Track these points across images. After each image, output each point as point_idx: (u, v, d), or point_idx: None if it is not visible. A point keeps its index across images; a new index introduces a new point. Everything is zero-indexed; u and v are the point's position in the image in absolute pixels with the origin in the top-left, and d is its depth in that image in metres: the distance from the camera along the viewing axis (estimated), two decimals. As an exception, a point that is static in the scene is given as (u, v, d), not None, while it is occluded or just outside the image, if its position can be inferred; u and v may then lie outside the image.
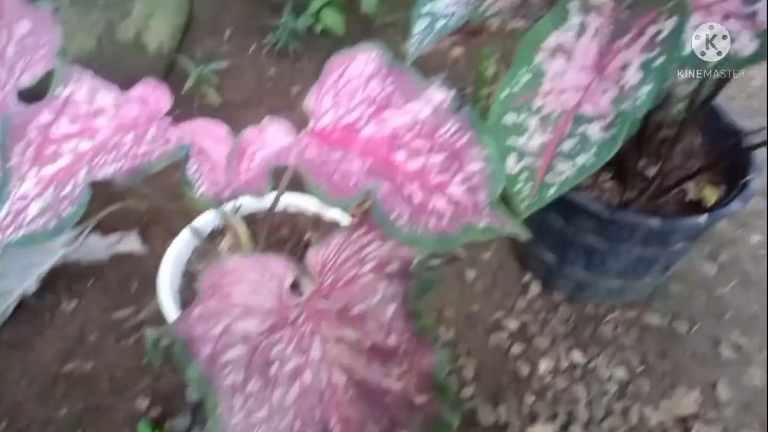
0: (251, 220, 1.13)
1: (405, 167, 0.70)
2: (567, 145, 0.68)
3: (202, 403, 1.21)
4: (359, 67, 0.79)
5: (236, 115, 1.78)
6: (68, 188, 0.65)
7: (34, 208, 0.64)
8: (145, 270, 1.37)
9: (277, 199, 1.02)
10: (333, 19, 1.96)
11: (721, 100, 1.18)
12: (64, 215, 0.63)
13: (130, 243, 1.40)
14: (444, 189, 0.68)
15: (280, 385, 0.65)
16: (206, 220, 1.09)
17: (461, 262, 1.44)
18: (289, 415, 0.64)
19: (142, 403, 1.14)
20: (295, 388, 0.65)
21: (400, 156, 0.71)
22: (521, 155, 0.70)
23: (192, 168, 0.70)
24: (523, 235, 0.61)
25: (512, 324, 1.30)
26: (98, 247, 1.39)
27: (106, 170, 0.65)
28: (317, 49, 1.98)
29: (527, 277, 1.39)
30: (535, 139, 0.69)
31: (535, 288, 1.37)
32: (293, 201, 1.13)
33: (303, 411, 0.64)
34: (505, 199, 0.68)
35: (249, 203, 1.11)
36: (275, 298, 0.70)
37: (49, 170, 0.66)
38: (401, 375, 0.65)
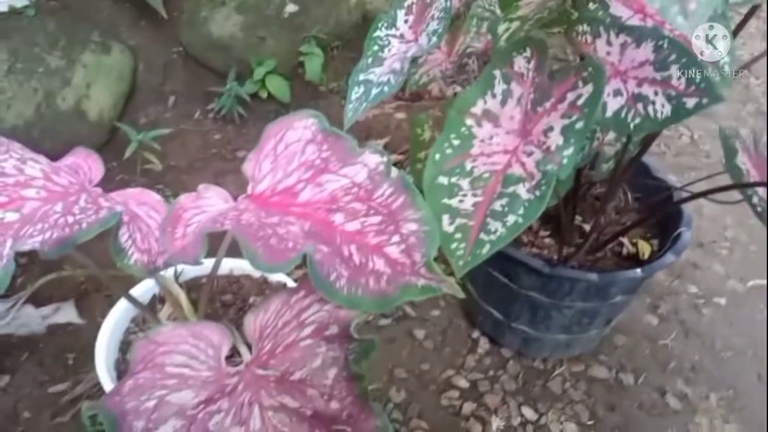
0: (194, 284, 1.10)
1: (343, 228, 0.71)
2: (497, 205, 0.70)
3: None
4: (297, 133, 0.81)
5: (181, 180, 1.77)
6: (-9, 261, 0.63)
7: (-46, 283, 0.62)
8: (83, 341, 1.31)
9: (217, 264, 1.00)
10: (278, 86, 2.00)
11: (651, 157, 1.25)
12: (-14, 289, 0.61)
13: (67, 314, 1.35)
14: (382, 249, 0.68)
15: (218, 459, 0.62)
16: (146, 287, 1.06)
17: (411, 320, 1.43)
18: (228, 490, 0.62)
19: (77, 485, 1.08)
20: (235, 462, 0.63)
21: (338, 218, 0.72)
22: (455, 215, 0.71)
23: (124, 236, 0.68)
24: (459, 294, 0.62)
25: (463, 382, 1.30)
26: (33, 319, 1.33)
27: (34, 241, 0.63)
28: (263, 114, 2.00)
29: (476, 333, 1.40)
30: (467, 200, 0.71)
31: (484, 344, 1.38)
32: (238, 264, 1.11)
33: (242, 485, 0.62)
34: (443, 258, 0.69)
35: (192, 268, 1.09)
36: (212, 368, 0.68)
37: (-28, 243, 0.64)
38: (344, 441, 0.64)
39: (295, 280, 1.13)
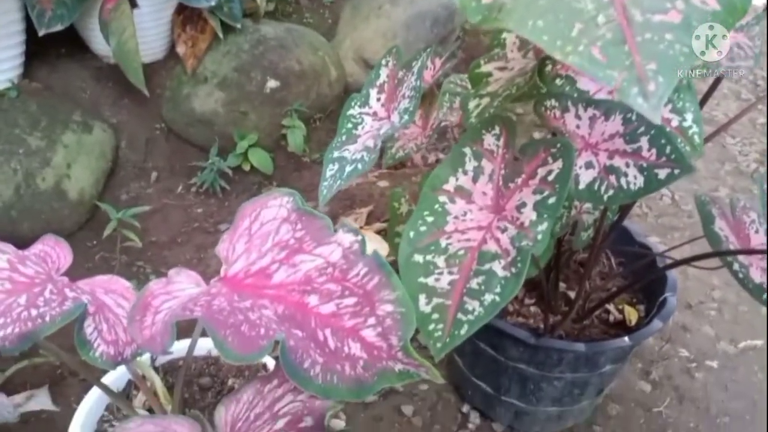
0: (171, 368, 1.07)
1: (318, 311, 0.69)
2: (474, 283, 0.68)
3: None
4: (272, 212, 0.80)
5: (162, 255, 1.75)
6: (-52, 360, 0.60)
7: None
8: (57, 429, 1.26)
9: (192, 346, 0.97)
10: (260, 159, 2.01)
11: (632, 220, 1.25)
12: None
13: (41, 401, 1.29)
14: (358, 333, 0.67)
15: None
16: (121, 372, 1.02)
17: (398, 395, 1.39)
18: None
19: None
20: None
21: (312, 300, 0.70)
22: (431, 295, 0.70)
23: (89, 327, 0.66)
24: (438, 380, 0.60)
25: (453, 461, 1.25)
26: (5, 408, 1.27)
27: (-8, 338, 0.61)
28: (246, 187, 2.01)
29: (466, 407, 1.35)
30: (443, 278, 0.70)
31: (474, 419, 1.33)
32: (216, 345, 1.08)
33: None
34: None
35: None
36: (181, 466, 0.65)
37: (-71, 341, 0.62)
38: None
39: (276, 358, 1.10)
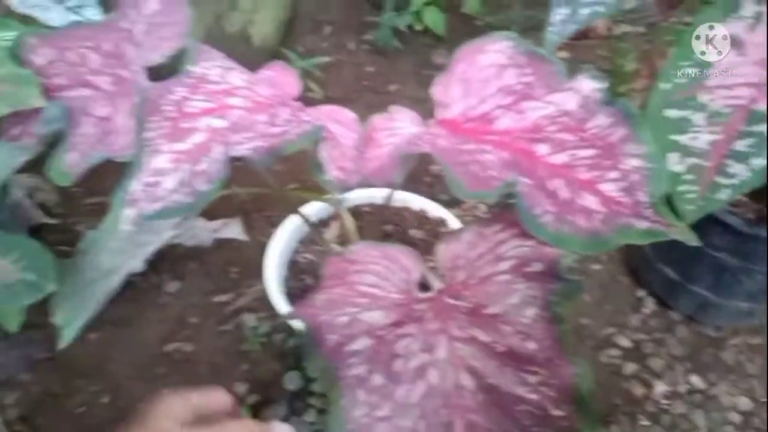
0: (355, 212, 1.10)
1: (548, 161, 0.66)
2: (741, 145, 0.61)
3: (300, 394, 1.19)
4: (489, 58, 0.76)
5: (337, 110, 1.77)
6: (204, 164, 0.64)
7: (168, 183, 0.63)
8: (246, 257, 1.37)
9: (391, 193, 0.98)
10: (434, 19, 1.92)
11: None
12: (201, 190, 0.62)
13: (233, 230, 1.41)
14: (595, 186, 0.63)
15: (405, 383, 0.61)
16: (310, 211, 1.07)
17: (570, 272, 1.36)
18: (413, 415, 0.60)
19: (240, 389, 1.13)
20: (420, 387, 0.61)
21: (542, 149, 0.67)
22: (686, 153, 0.63)
23: (323, 151, 0.67)
24: (694, 241, 0.55)
25: (625, 342, 1.22)
26: (202, 231, 1.40)
27: (244, 148, 0.64)
28: (416, 48, 1.95)
29: (641, 293, 1.30)
30: (702, 137, 0.63)
31: (649, 305, 1.28)
32: (398, 197, 1.10)
33: (427, 412, 0.60)
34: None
35: (352, 195, 1.09)
36: (402, 292, 0.67)
37: (183, 145, 0.65)
38: (538, 384, 0.60)
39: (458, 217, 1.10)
